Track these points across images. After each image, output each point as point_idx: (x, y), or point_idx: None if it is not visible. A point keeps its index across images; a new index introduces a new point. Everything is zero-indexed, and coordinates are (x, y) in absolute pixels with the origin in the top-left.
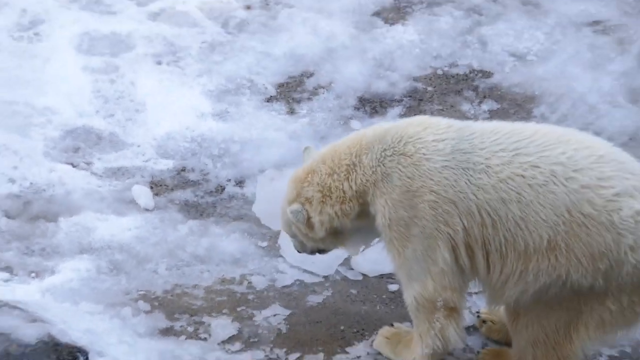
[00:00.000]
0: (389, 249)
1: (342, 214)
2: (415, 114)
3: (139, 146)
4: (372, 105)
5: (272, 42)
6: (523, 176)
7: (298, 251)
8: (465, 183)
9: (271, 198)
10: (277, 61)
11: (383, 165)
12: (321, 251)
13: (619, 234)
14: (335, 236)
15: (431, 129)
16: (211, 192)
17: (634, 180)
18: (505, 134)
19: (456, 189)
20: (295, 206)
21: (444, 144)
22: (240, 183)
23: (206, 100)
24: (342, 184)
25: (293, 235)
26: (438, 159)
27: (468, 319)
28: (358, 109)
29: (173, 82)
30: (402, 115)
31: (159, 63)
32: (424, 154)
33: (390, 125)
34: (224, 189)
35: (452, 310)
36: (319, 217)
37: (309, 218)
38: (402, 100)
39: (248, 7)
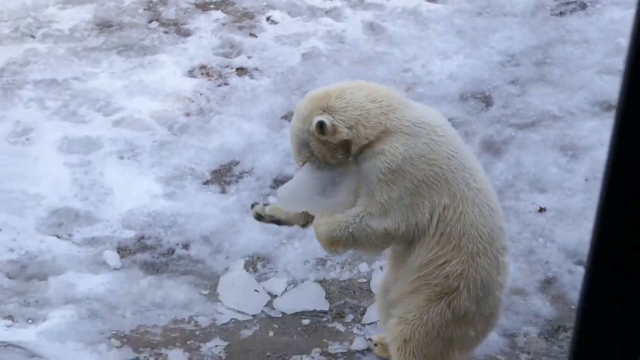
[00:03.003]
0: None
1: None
2: None
3: (107, 221)
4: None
5: (207, 140)
6: (487, 191)
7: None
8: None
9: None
10: (211, 154)
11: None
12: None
13: (498, 272)
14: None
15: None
16: (164, 254)
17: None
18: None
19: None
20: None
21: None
22: (186, 246)
23: (158, 185)
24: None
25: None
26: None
27: (362, 343)
28: (274, 187)
29: (132, 172)
30: None
31: (122, 158)
32: None
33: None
34: (174, 251)
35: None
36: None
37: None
38: None
39: (188, 114)
